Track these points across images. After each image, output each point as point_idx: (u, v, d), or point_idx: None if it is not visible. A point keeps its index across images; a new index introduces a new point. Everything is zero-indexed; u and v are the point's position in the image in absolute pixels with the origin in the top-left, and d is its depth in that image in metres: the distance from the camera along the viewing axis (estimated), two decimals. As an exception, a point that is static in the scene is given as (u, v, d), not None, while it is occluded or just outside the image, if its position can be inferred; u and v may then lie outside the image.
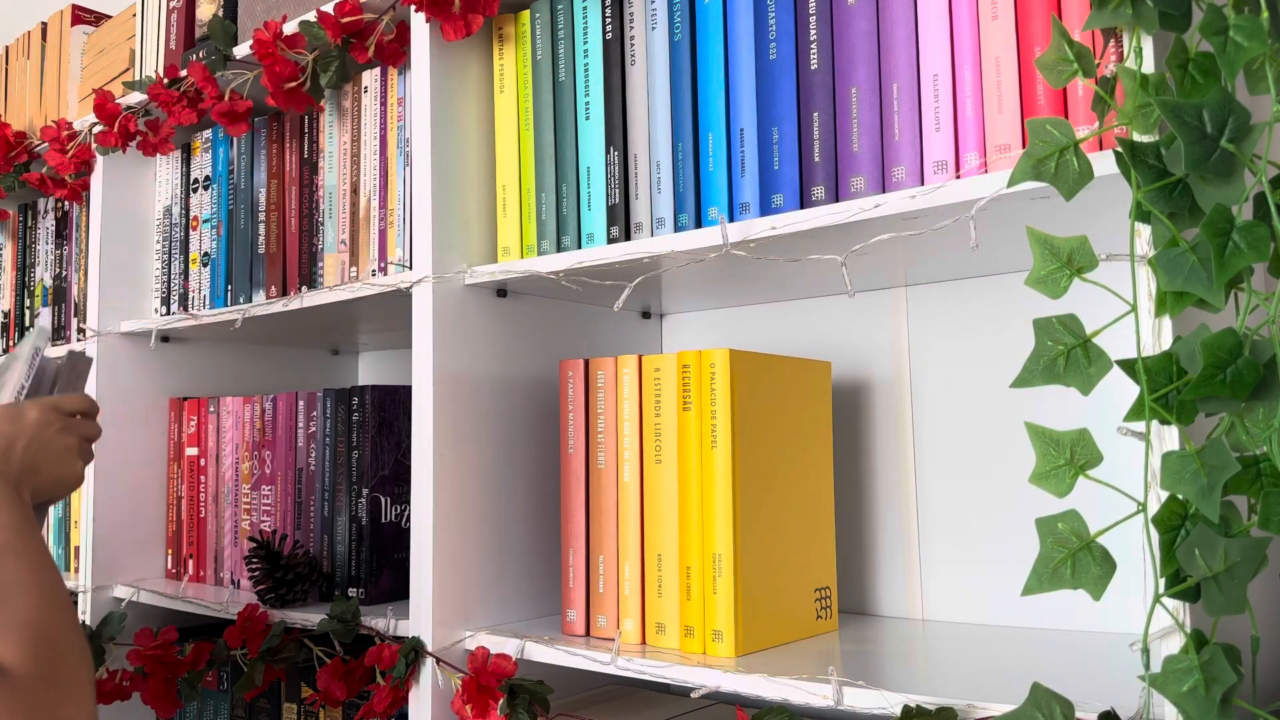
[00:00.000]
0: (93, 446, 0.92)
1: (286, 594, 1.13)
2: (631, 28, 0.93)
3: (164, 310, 1.39)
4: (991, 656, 0.83)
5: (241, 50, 1.18)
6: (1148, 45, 0.63)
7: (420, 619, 0.95)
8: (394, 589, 1.15)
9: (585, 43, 0.96)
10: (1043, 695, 0.60)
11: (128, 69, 1.47)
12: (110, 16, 1.60)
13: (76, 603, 1.34)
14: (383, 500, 1.14)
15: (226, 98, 1.18)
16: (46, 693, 0.70)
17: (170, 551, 1.39)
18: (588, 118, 0.96)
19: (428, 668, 0.94)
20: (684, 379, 0.89)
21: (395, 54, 1.06)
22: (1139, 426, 0.61)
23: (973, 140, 0.75)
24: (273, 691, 1.19)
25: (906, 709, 0.69)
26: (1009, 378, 0.99)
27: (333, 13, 1.05)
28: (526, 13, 1.01)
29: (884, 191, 0.79)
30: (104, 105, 1.29)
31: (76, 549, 1.59)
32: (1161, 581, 0.59)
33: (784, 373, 0.93)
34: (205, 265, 1.33)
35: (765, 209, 0.85)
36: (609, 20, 0.94)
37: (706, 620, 0.86)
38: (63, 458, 0.86)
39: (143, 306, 1.41)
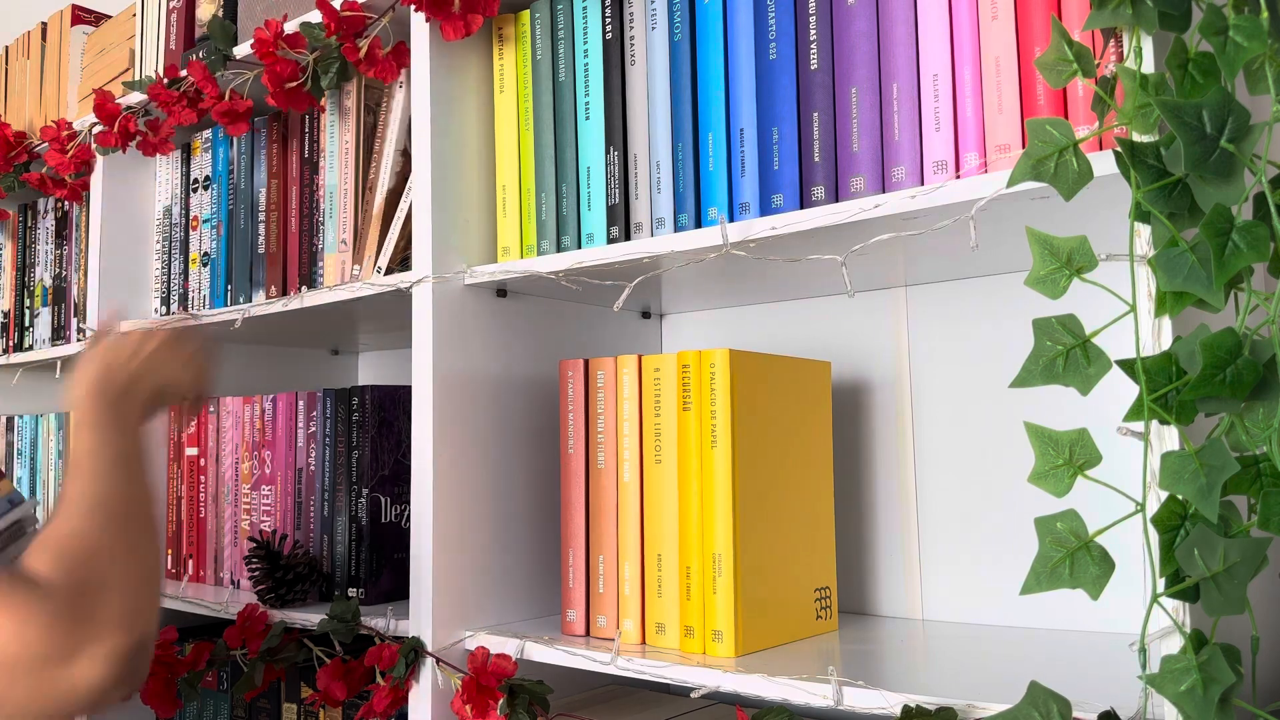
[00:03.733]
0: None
1: (286, 594, 1.13)
2: (631, 28, 0.93)
3: (164, 310, 1.39)
4: (991, 656, 0.83)
5: (242, 50, 1.18)
6: (1148, 45, 0.63)
7: (420, 619, 0.95)
8: (394, 589, 1.15)
9: (585, 43, 0.96)
10: (1040, 694, 0.60)
11: (128, 69, 1.47)
12: (110, 16, 1.60)
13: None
14: (383, 500, 1.14)
15: (226, 97, 1.18)
16: (74, 599, 0.68)
17: (170, 551, 1.39)
18: (588, 118, 0.96)
19: (428, 668, 0.94)
20: (684, 379, 0.89)
21: (389, 68, 1.04)
22: (1138, 426, 0.61)
23: (972, 140, 0.75)
24: (273, 691, 1.19)
25: (906, 709, 0.69)
26: (1008, 378, 0.99)
27: (335, 4, 1.04)
28: (526, 13, 1.01)
29: (884, 191, 0.79)
30: (104, 105, 1.29)
31: (76, 549, 1.58)
32: (1160, 581, 0.59)
33: (784, 373, 0.93)
34: (205, 265, 1.33)
35: (765, 209, 0.85)
36: (609, 20, 0.95)
37: (706, 620, 0.86)
38: (172, 369, 0.90)
39: (143, 306, 1.41)
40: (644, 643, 0.91)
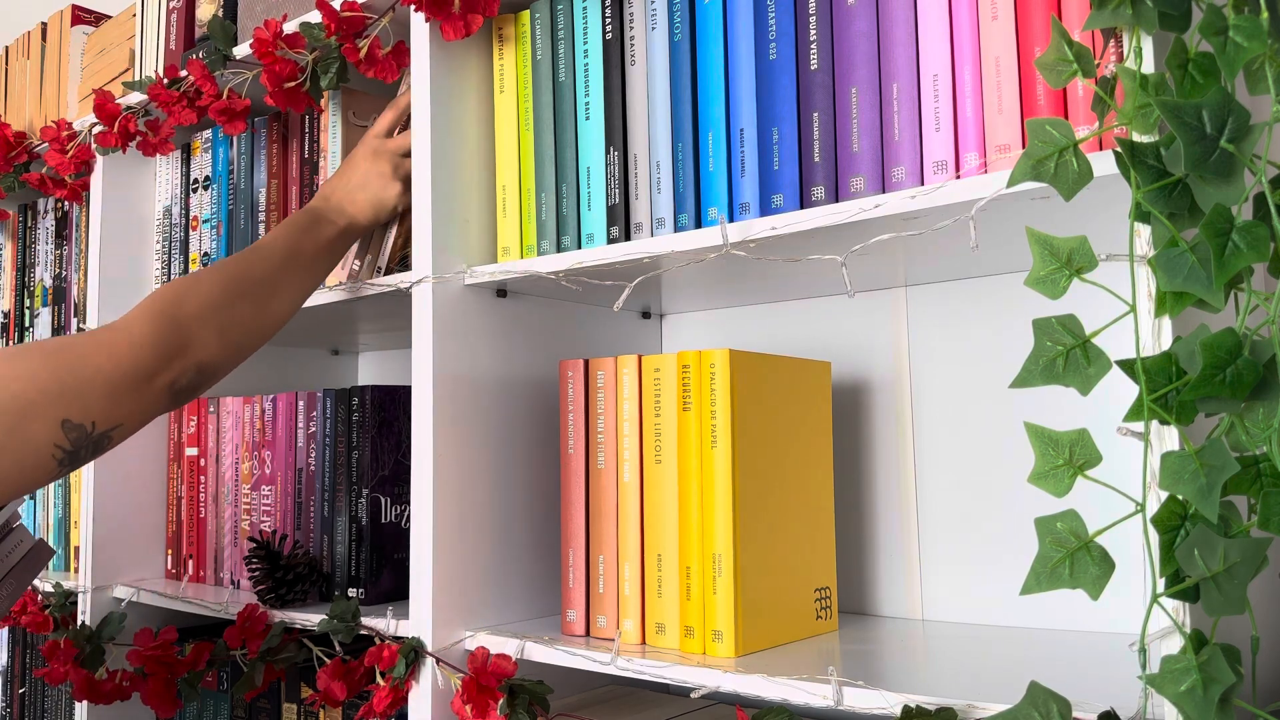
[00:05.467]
0: None
1: (286, 594, 1.13)
2: (631, 28, 0.93)
3: (164, 310, 1.38)
4: (991, 656, 0.83)
5: (241, 50, 1.18)
6: (1148, 45, 0.63)
7: (420, 619, 0.95)
8: (394, 589, 1.15)
9: (585, 43, 0.96)
10: (1040, 694, 0.60)
11: (128, 69, 1.47)
12: (110, 16, 1.60)
13: (77, 601, 1.34)
14: (383, 500, 1.14)
15: (225, 96, 1.17)
16: (156, 329, 0.86)
17: (170, 551, 1.39)
18: (588, 118, 0.96)
19: (428, 668, 0.94)
20: (684, 379, 0.89)
21: (389, 68, 1.04)
22: (1138, 427, 0.61)
23: (973, 140, 0.75)
24: (273, 691, 1.19)
25: (906, 709, 0.69)
26: (1009, 378, 0.99)
27: (334, 5, 1.04)
28: (526, 13, 1.01)
29: (884, 191, 0.79)
30: (104, 105, 1.29)
31: (76, 549, 1.59)
32: (1160, 581, 0.59)
33: (784, 373, 0.93)
34: (205, 265, 1.33)
35: (765, 209, 0.85)
36: (609, 20, 0.94)
37: (706, 620, 0.86)
38: (376, 182, 1.04)
39: (143, 306, 1.41)
40: (644, 643, 0.91)
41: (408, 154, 1.05)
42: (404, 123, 1.07)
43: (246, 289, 0.93)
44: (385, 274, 1.07)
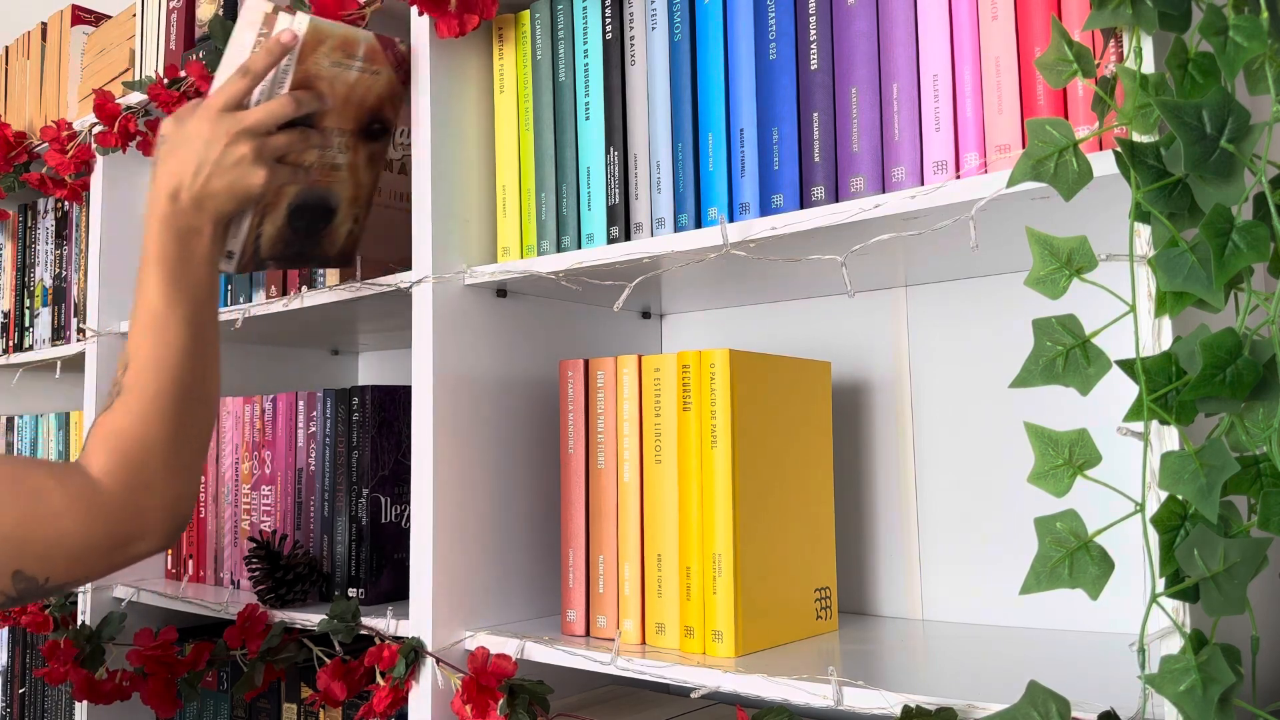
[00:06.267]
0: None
1: (286, 594, 1.13)
2: (631, 28, 0.93)
3: (164, 310, 1.38)
4: (991, 656, 0.83)
5: (241, 50, 1.18)
6: (1148, 45, 0.63)
7: (420, 619, 0.95)
8: (394, 589, 1.15)
9: (585, 43, 0.96)
10: (1039, 694, 0.60)
11: (128, 69, 1.47)
12: (110, 16, 1.60)
13: (77, 601, 1.34)
14: (383, 500, 1.14)
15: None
16: (131, 497, 0.80)
17: (170, 551, 1.39)
18: (588, 118, 0.96)
19: (428, 668, 0.94)
20: (684, 379, 0.89)
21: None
22: (1138, 427, 0.61)
23: (972, 140, 0.75)
24: (273, 691, 1.19)
25: (906, 709, 0.69)
26: (1009, 378, 0.99)
27: None
28: (526, 13, 1.01)
29: (884, 191, 0.79)
30: (104, 105, 1.29)
31: (76, 549, 1.58)
32: (1160, 581, 0.59)
33: (784, 373, 0.93)
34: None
35: (765, 209, 0.85)
36: (609, 20, 0.94)
37: (706, 620, 0.86)
38: (234, 170, 0.87)
39: (143, 306, 1.41)
40: (644, 643, 0.91)
41: (271, 132, 0.89)
42: (250, 90, 0.89)
43: (184, 401, 0.84)
44: (239, 266, 0.96)
